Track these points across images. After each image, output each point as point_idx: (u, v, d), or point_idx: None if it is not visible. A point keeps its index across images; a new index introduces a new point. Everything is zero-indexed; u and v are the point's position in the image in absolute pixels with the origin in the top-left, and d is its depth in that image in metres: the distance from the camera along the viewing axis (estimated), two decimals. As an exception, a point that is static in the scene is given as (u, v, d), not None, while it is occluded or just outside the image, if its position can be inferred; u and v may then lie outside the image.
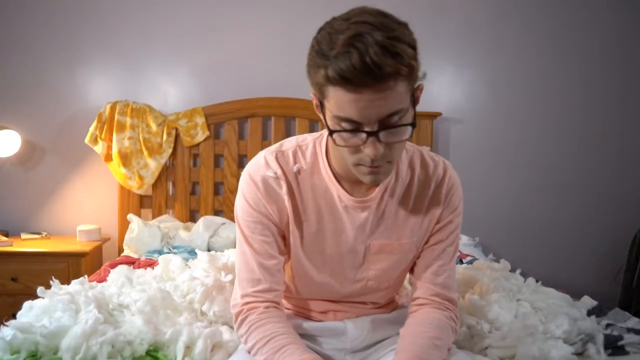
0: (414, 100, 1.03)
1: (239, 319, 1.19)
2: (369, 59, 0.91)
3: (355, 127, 1.00)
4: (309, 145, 1.21)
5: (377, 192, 1.19)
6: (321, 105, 1.04)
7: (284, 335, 1.11)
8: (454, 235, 1.26)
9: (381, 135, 1.00)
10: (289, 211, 1.18)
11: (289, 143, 1.23)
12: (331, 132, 1.03)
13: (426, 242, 1.26)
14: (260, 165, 1.19)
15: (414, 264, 1.28)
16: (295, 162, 1.19)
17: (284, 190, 1.18)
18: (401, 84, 0.96)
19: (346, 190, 1.18)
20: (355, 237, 1.21)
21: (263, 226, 1.19)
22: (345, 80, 0.94)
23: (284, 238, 1.22)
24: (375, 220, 1.21)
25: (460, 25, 3.04)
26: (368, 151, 1.01)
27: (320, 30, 1.01)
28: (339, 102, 0.98)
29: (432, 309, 1.22)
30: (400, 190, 1.22)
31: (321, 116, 1.07)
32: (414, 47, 0.97)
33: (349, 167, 1.09)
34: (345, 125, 1.00)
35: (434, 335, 1.15)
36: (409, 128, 1.02)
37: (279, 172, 1.18)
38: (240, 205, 1.21)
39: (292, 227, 1.20)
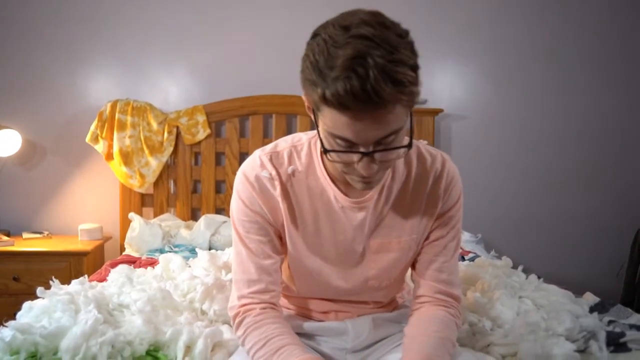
0: (411, 114, 1.00)
1: (236, 321, 1.18)
2: (370, 86, 0.86)
3: (350, 146, 0.97)
4: (304, 146, 1.19)
5: (373, 192, 1.17)
6: (314, 114, 1.00)
7: (281, 337, 1.11)
8: (455, 230, 1.24)
9: (376, 155, 0.98)
10: (284, 213, 1.17)
11: (284, 143, 1.21)
12: (325, 151, 1.00)
13: (427, 238, 1.24)
14: (255, 165, 1.18)
15: (416, 260, 1.26)
16: (290, 164, 1.18)
17: (277, 192, 1.16)
18: (400, 107, 0.92)
19: (342, 191, 1.17)
20: (353, 237, 1.19)
21: (259, 225, 1.18)
22: (343, 106, 0.89)
23: (280, 238, 1.21)
24: (374, 219, 1.19)
25: (461, 22, 3.02)
26: (361, 169, 0.99)
27: (315, 35, 0.94)
28: (334, 122, 0.94)
29: (435, 306, 1.21)
30: (397, 188, 1.20)
31: (312, 117, 1.03)
32: (415, 68, 0.91)
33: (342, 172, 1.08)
34: (339, 142, 0.97)
35: (444, 335, 1.14)
36: (403, 149, 1.00)
37: (274, 173, 1.16)
38: (235, 205, 1.20)
39: (288, 228, 1.19)
